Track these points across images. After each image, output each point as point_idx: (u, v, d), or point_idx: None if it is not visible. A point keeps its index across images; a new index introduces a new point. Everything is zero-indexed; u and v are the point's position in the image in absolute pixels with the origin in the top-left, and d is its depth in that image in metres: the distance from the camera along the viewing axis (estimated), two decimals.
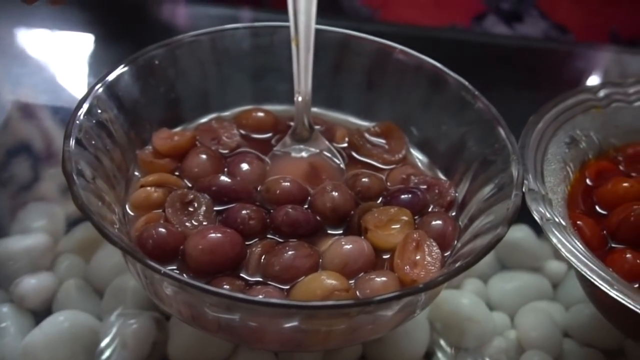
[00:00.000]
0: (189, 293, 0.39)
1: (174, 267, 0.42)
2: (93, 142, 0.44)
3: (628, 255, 0.44)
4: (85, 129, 0.43)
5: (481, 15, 0.81)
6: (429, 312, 0.50)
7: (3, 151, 0.59)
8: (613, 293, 0.39)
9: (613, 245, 0.46)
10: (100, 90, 0.46)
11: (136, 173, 0.47)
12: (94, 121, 0.44)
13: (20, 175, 0.58)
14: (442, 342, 0.50)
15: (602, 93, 0.51)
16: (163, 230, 0.42)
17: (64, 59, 0.69)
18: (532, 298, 0.53)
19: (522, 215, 0.42)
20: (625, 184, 0.48)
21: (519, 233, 0.55)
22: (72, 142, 0.42)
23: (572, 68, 0.76)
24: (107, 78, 0.46)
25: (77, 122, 0.43)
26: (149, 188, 0.45)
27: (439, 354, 0.50)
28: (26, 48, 0.71)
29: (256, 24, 0.51)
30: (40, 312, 0.50)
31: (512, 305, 0.53)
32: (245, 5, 0.89)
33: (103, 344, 0.48)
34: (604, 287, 0.40)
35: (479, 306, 0.52)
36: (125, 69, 0.48)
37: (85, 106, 0.44)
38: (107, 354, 0.48)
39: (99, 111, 0.45)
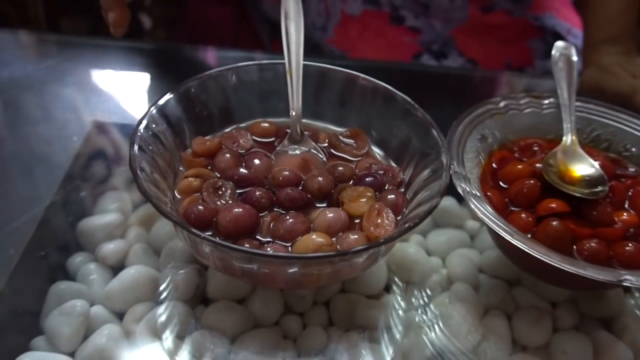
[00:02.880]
0: (221, 251, 0.38)
1: (210, 233, 0.41)
2: (150, 148, 0.43)
3: (523, 215, 0.44)
4: (144, 138, 0.43)
5: (418, 54, 0.81)
6: (387, 258, 0.50)
7: (86, 156, 0.58)
8: (514, 241, 0.40)
9: (512, 208, 0.46)
10: (154, 111, 0.45)
11: (181, 168, 0.47)
12: (150, 133, 0.44)
13: (99, 173, 0.58)
14: (396, 279, 0.50)
15: (502, 104, 0.51)
16: (201, 207, 0.42)
17: (128, 90, 0.69)
18: (457, 246, 0.53)
19: (449, 190, 0.42)
20: (519, 166, 0.48)
21: (447, 202, 0.55)
22: (136, 148, 0.41)
23: (480, 88, 0.77)
24: (158, 102, 0.46)
25: (139, 134, 0.42)
26: (190, 178, 0.45)
27: (394, 287, 0.50)
28: (101, 82, 0.70)
29: (262, 61, 0.50)
30: (116, 267, 0.49)
31: (443, 252, 0.53)
32: (255, 49, 0.89)
33: (161, 288, 0.48)
34: (507, 237, 0.40)
35: (421, 253, 0.52)
36: (171, 95, 0.47)
37: (144, 122, 0.44)
38: (164, 294, 0.47)
39: (154, 126, 0.44)
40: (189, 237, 0.40)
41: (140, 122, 0.43)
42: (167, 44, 0.93)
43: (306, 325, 0.46)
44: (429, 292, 0.49)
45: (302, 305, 0.47)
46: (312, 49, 0.84)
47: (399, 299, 0.49)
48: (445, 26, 0.81)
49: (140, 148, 0.42)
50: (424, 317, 0.48)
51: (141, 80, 0.71)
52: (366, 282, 0.49)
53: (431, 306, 0.48)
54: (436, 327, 0.47)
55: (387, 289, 0.49)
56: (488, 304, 0.48)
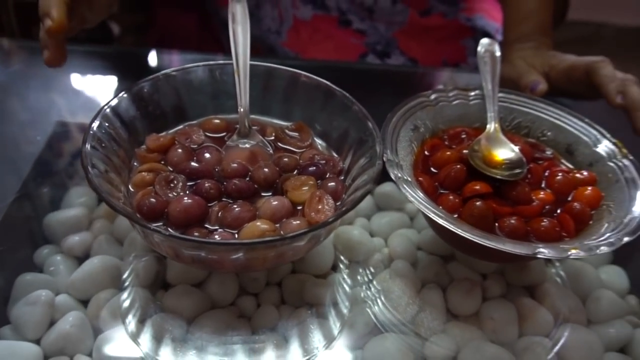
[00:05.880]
0: (169, 240, 0.36)
1: (161, 223, 0.39)
2: (103, 145, 0.41)
3: (450, 197, 0.43)
4: (97, 137, 0.41)
5: (364, 54, 0.80)
6: (333, 240, 0.49)
7: (50, 154, 0.56)
8: (441, 221, 0.39)
9: (441, 191, 0.45)
10: (108, 110, 0.43)
11: (135, 164, 0.44)
12: (103, 131, 0.41)
13: (65, 169, 0.55)
14: (342, 258, 0.49)
15: (432, 96, 0.50)
16: (153, 200, 0.40)
17: (94, 92, 0.66)
18: (398, 227, 0.52)
19: (389, 176, 0.41)
20: (448, 153, 0.47)
21: (388, 187, 0.54)
22: (88, 146, 0.39)
23: (419, 83, 0.76)
24: (111, 102, 0.43)
25: (91, 132, 0.40)
26: (144, 173, 0.42)
27: (341, 265, 0.49)
28: (67, 85, 0.67)
29: (211, 62, 0.48)
30: (81, 258, 0.47)
31: (385, 232, 0.52)
32: (216, 51, 0.87)
33: (124, 275, 0.46)
34: (436, 218, 0.39)
35: (365, 234, 0.51)
36: (125, 95, 0.44)
37: (97, 122, 0.41)
38: (127, 282, 0.46)
39: (107, 124, 0.42)
40: (140, 229, 0.38)
41: (92, 121, 0.41)
42: (133, 48, 0.89)
43: (260, 304, 0.45)
44: (372, 269, 0.49)
45: (256, 287, 0.45)
46: (267, 51, 0.82)
47: (345, 277, 0.48)
48: (388, 28, 0.80)
49: (92, 146, 0.39)
50: (368, 292, 0.47)
51: (107, 82, 0.68)
52: (315, 263, 0.48)
53: (374, 282, 0.47)
54: (379, 301, 0.46)
55: (334, 268, 0.48)
56: (425, 279, 0.48)
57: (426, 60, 0.80)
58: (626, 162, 0.46)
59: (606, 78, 0.54)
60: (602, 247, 0.37)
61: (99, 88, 0.67)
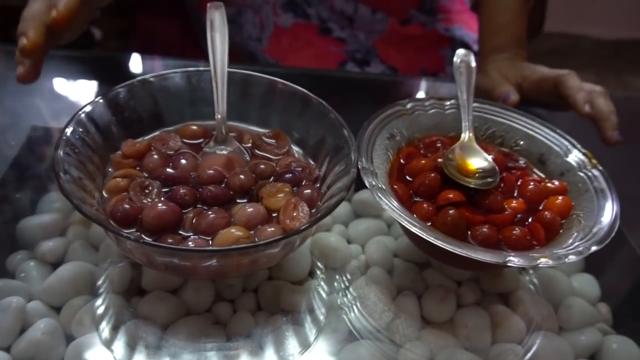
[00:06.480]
0: (141, 247, 0.36)
1: (135, 230, 0.39)
2: (77, 151, 0.40)
3: (424, 205, 0.43)
4: (71, 143, 0.40)
5: (344, 62, 0.80)
6: (310, 246, 0.49)
7: (28, 159, 0.54)
8: (414, 229, 0.39)
9: (416, 199, 0.45)
10: (82, 115, 0.42)
11: (110, 169, 0.44)
12: (77, 137, 0.41)
13: (41, 174, 0.54)
14: (319, 264, 0.49)
15: (409, 105, 0.50)
16: (127, 205, 0.39)
17: (72, 97, 0.65)
18: (375, 234, 0.52)
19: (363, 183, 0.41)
20: (423, 161, 0.47)
21: (366, 194, 0.54)
22: (60, 152, 0.38)
23: (398, 91, 0.76)
24: (85, 108, 0.42)
25: (64, 137, 0.39)
26: (118, 179, 0.42)
27: (318, 272, 0.48)
28: (46, 89, 0.65)
29: (188, 69, 0.48)
30: (56, 264, 0.46)
31: (363, 239, 0.52)
32: (199, 58, 0.86)
33: (99, 282, 0.45)
34: (409, 226, 0.39)
35: (342, 241, 0.50)
36: (100, 101, 0.44)
37: (70, 127, 0.41)
38: (102, 289, 0.45)
39: (81, 130, 0.41)
40: (113, 235, 0.37)
41: (66, 127, 0.40)
42: (114, 53, 0.88)
43: (236, 311, 0.44)
44: (348, 276, 0.48)
45: (232, 293, 0.45)
46: (248, 58, 0.81)
47: (322, 283, 0.48)
48: (368, 37, 0.80)
49: (65, 152, 0.39)
50: (344, 299, 0.46)
51: (87, 87, 0.67)
52: (291, 269, 0.47)
53: (350, 289, 0.47)
54: (355, 308, 0.46)
55: (311, 274, 0.48)
56: (400, 286, 0.47)
57: (405, 69, 0.80)
58: (596, 172, 0.46)
59: (572, 89, 0.56)
60: (570, 256, 0.38)
61: (79, 93, 0.65)
